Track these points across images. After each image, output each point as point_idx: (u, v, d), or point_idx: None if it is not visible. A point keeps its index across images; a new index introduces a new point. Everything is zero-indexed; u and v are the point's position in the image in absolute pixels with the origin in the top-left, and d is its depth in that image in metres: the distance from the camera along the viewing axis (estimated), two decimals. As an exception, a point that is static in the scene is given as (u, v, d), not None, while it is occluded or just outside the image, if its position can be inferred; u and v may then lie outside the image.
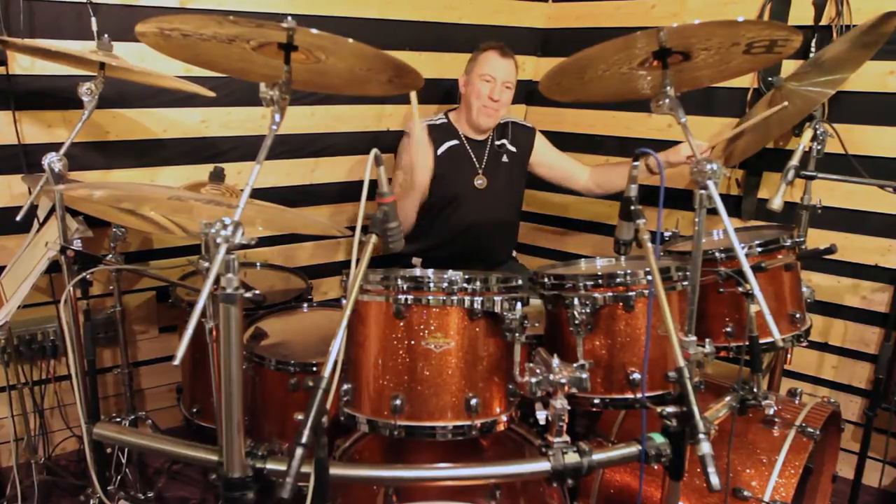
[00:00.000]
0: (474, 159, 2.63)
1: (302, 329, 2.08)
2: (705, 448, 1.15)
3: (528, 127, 2.76)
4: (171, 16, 1.22)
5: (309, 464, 1.13)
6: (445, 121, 2.66)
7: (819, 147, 2.12)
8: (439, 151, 2.61)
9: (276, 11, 2.52)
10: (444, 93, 2.97)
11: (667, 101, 1.40)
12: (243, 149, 2.63)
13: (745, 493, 1.70)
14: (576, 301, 1.59)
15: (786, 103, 2.15)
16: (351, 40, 1.22)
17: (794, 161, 2.01)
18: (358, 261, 1.29)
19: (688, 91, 1.54)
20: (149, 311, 2.67)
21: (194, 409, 2.19)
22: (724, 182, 2.71)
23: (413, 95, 1.92)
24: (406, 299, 1.42)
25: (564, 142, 3.13)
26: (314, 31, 1.18)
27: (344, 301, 1.27)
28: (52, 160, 1.67)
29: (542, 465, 1.32)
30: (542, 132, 2.76)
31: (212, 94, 2.13)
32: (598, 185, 2.72)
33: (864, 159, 2.24)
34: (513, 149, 2.69)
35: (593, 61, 1.47)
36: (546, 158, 2.76)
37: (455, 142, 2.63)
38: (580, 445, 1.34)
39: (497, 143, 2.67)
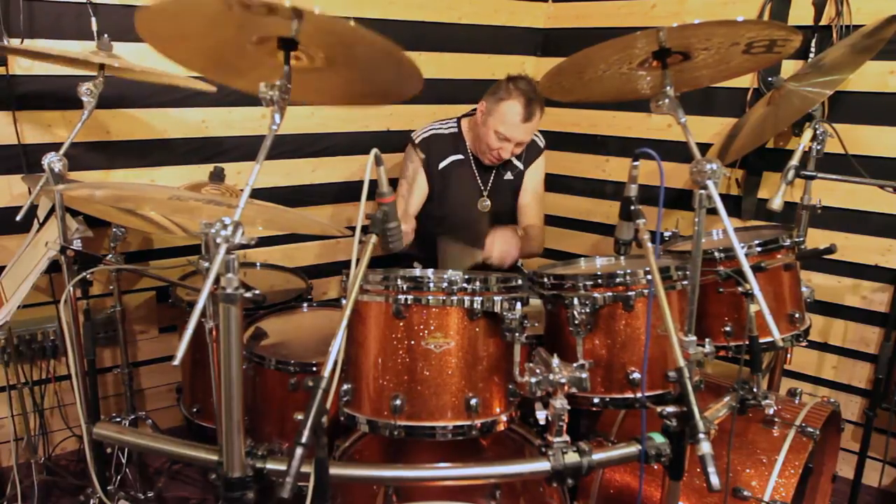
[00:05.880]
0: (479, 181, 2.53)
1: (302, 329, 2.08)
2: (705, 448, 1.15)
3: (539, 147, 2.63)
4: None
5: (309, 464, 1.13)
6: (456, 130, 2.54)
7: (819, 147, 2.11)
8: (441, 165, 2.51)
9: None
10: (443, 93, 2.97)
11: (667, 101, 1.39)
12: (243, 149, 2.63)
13: (745, 492, 1.70)
14: (575, 301, 1.59)
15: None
16: (353, 22, 1.17)
17: (794, 161, 2.01)
18: (358, 261, 1.29)
19: (688, 91, 1.54)
20: (149, 311, 2.67)
21: (194, 409, 2.19)
22: (724, 182, 2.71)
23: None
24: (406, 299, 1.42)
25: (564, 142, 3.14)
26: (317, 9, 1.15)
27: (344, 301, 1.27)
28: (52, 160, 1.67)
29: (542, 465, 1.32)
30: (542, 132, 2.70)
31: (213, 89, 2.09)
32: None
33: (864, 159, 2.24)
34: (520, 166, 2.58)
35: (593, 61, 1.47)
36: (529, 180, 2.61)
37: (460, 156, 2.52)
38: (580, 445, 1.34)
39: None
